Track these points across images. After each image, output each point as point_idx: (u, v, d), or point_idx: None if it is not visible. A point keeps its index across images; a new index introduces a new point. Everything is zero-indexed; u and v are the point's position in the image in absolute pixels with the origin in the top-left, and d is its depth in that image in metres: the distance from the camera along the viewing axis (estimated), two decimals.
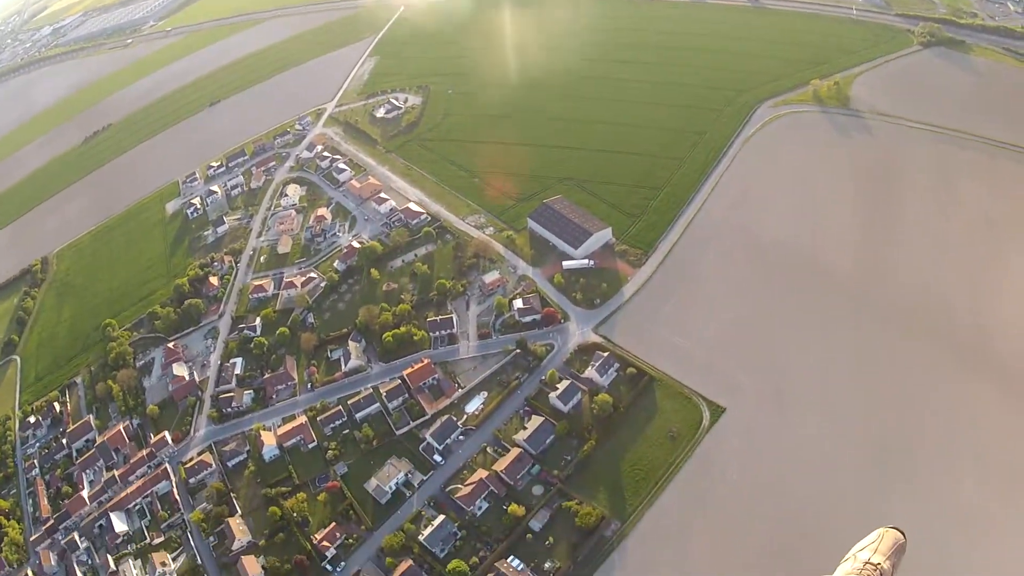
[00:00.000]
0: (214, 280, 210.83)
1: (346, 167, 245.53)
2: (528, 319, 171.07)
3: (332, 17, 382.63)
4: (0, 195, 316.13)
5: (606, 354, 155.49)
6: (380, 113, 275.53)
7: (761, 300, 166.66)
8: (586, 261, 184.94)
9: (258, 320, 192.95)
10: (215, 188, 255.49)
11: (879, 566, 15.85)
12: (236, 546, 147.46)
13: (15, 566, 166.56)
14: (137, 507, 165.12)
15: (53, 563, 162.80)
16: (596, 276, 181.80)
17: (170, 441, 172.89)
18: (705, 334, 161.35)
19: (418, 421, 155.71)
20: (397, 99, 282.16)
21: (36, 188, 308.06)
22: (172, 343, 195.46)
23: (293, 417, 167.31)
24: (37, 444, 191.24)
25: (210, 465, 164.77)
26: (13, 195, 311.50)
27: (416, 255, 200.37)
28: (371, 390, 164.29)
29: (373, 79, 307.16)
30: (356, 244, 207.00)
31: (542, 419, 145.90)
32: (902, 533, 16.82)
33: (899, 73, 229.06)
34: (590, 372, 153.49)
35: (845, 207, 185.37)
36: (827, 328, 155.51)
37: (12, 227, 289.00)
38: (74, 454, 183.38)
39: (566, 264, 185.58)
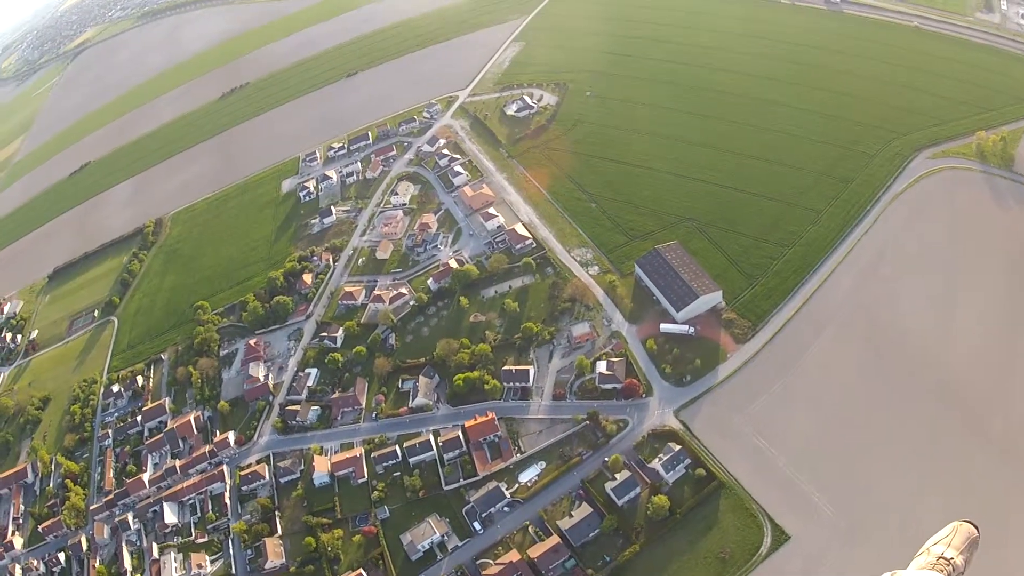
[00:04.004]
0: (308, 278, 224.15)
1: (462, 170, 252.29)
2: (608, 386, 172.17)
3: None
4: (133, 143, 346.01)
5: (677, 449, 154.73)
6: (511, 110, 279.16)
7: (866, 407, 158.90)
8: (686, 328, 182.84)
9: (340, 331, 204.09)
10: (330, 173, 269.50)
11: (952, 561, 16.85)
12: (268, 566, 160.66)
13: (72, 529, 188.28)
14: (190, 501, 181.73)
15: (106, 536, 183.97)
16: (693, 347, 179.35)
17: (232, 443, 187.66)
18: (793, 440, 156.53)
19: (468, 480, 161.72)
20: (531, 96, 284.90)
21: (166, 141, 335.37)
22: (255, 340, 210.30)
23: (351, 445, 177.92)
24: (116, 414, 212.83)
25: (264, 477, 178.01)
26: (144, 145, 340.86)
27: (511, 287, 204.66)
28: (430, 435, 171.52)
29: (513, 68, 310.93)
30: (453, 264, 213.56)
31: (591, 510, 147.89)
32: (975, 527, 17.82)
33: None
34: (656, 464, 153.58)
35: (987, 300, 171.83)
36: (934, 455, 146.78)
37: (137, 179, 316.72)
38: (146, 433, 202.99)
39: (663, 327, 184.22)
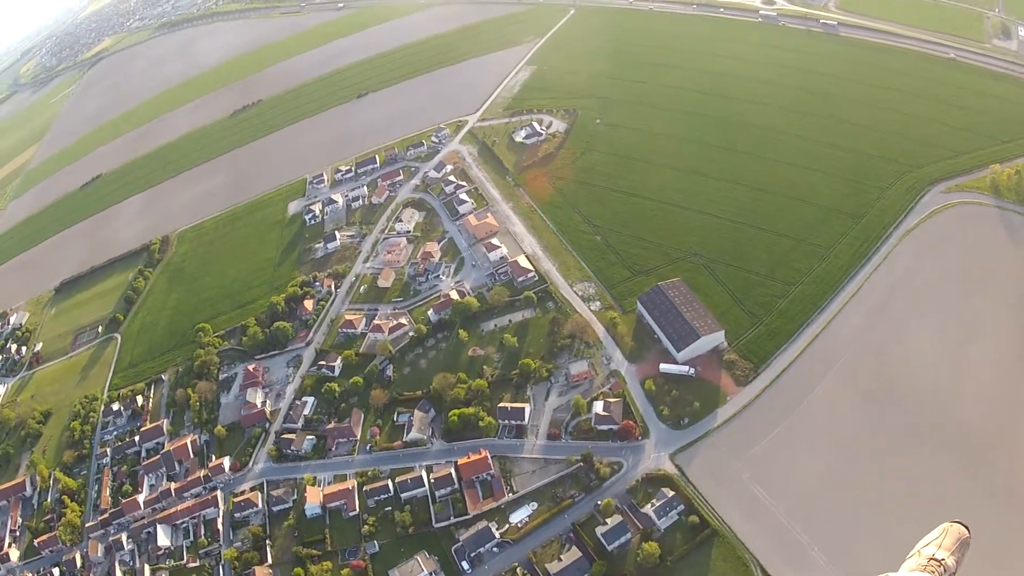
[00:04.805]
0: (309, 304, 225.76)
1: (467, 198, 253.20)
2: (604, 427, 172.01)
3: (502, 12, 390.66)
4: (145, 156, 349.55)
5: (671, 495, 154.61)
6: (520, 136, 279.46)
7: (870, 454, 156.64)
8: (686, 368, 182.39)
9: (339, 360, 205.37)
10: (336, 197, 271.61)
11: (943, 562, 17.30)
12: None
13: (67, 545, 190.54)
14: (184, 525, 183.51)
15: (100, 555, 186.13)
16: (692, 388, 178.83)
17: (227, 468, 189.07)
18: (790, 487, 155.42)
19: (459, 519, 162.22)
20: (540, 123, 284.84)
21: (179, 156, 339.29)
22: (254, 365, 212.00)
23: (344, 477, 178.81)
24: (115, 432, 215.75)
25: (256, 505, 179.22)
26: (156, 158, 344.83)
27: (511, 320, 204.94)
28: (422, 471, 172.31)
29: (523, 92, 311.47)
30: (455, 295, 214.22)
31: (580, 555, 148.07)
32: (966, 528, 18.22)
33: None
34: (649, 509, 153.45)
35: (999, 341, 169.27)
36: (936, 502, 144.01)
37: (148, 194, 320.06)
38: (143, 453, 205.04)
39: (663, 367, 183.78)
